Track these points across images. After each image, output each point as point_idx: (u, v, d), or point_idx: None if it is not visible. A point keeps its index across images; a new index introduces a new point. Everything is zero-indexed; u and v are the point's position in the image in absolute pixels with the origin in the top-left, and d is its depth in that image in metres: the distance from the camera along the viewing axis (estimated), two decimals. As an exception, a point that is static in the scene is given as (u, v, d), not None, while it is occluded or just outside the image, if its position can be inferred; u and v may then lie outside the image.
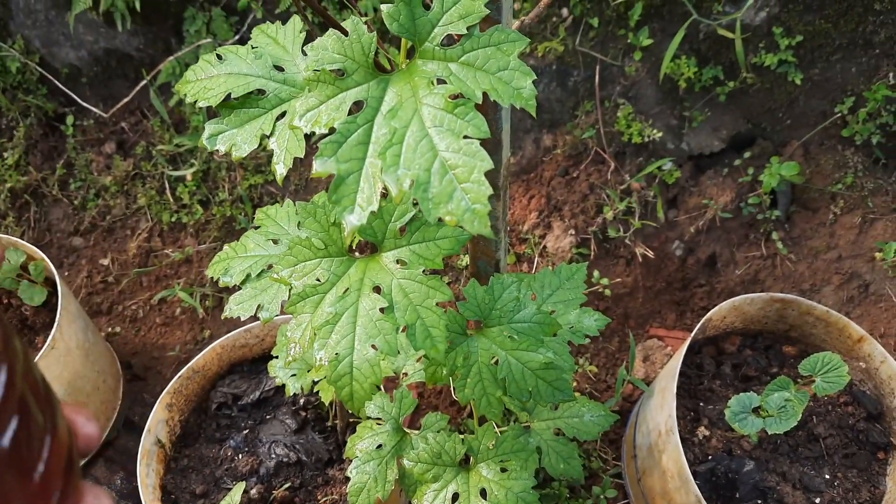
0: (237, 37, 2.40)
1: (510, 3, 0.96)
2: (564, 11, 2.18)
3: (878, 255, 2.26)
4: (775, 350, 2.04)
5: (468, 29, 0.81)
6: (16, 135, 2.66)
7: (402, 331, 1.08)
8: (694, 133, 2.37)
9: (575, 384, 2.23)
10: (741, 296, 1.91)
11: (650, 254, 2.36)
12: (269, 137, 1.08)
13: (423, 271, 1.09)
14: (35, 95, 2.69)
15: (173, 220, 2.62)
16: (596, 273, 2.33)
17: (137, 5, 2.31)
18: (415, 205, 1.12)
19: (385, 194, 0.85)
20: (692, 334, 1.83)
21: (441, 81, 0.83)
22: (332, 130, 0.86)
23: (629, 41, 2.20)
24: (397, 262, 1.10)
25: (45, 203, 2.71)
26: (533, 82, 0.82)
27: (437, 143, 0.80)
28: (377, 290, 1.08)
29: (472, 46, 0.81)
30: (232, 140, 1.08)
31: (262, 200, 2.60)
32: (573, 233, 2.32)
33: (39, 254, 2.12)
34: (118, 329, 2.55)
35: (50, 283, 2.18)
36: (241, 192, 2.57)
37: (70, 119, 2.72)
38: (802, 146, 2.35)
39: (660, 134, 2.32)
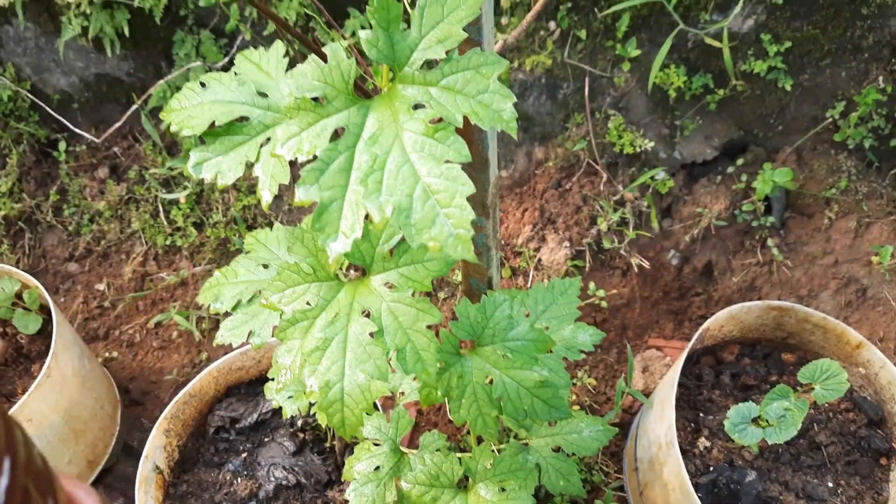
0: (226, 59, 2.40)
1: (490, 24, 0.95)
2: (552, 24, 2.19)
3: (874, 258, 2.25)
4: (774, 358, 2.03)
5: (447, 53, 0.81)
6: (9, 162, 2.66)
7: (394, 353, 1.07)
8: (686, 141, 2.36)
9: (574, 397, 2.22)
10: (738, 304, 1.90)
11: (646, 264, 2.35)
12: (254, 164, 1.08)
13: (413, 294, 1.08)
14: (27, 122, 2.70)
15: (168, 243, 2.61)
16: (592, 285, 2.32)
17: (126, 30, 2.32)
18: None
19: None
20: (690, 345, 1.82)
21: (421, 106, 0.83)
22: (314, 157, 0.86)
23: (617, 52, 2.20)
24: (386, 285, 1.10)
25: (39, 230, 2.71)
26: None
27: (419, 168, 0.80)
28: (366, 314, 1.08)
29: (452, 70, 0.81)
30: (217, 168, 1.08)
31: (256, 221, 2.60)
32: (568, 245, 2.31)
33: (33, 281, 2.12)
34: (115, 354, 2.54)
35: (45, 310, 2.17)
36: (235, 214, 2.57)
37: (62, 145, 2.72)
38: (795, 151, 2.35)
39: (651, 144, 2.32)
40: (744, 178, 2.34)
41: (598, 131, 2.36)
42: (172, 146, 2.70)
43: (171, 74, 2.41)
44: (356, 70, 0.82)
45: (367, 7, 0.79)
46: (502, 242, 2.41)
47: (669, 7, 2.01)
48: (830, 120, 2.26)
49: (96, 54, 2.52)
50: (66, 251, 2.69)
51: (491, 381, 1.27)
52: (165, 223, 2.62)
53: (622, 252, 2.37)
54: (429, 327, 1.07)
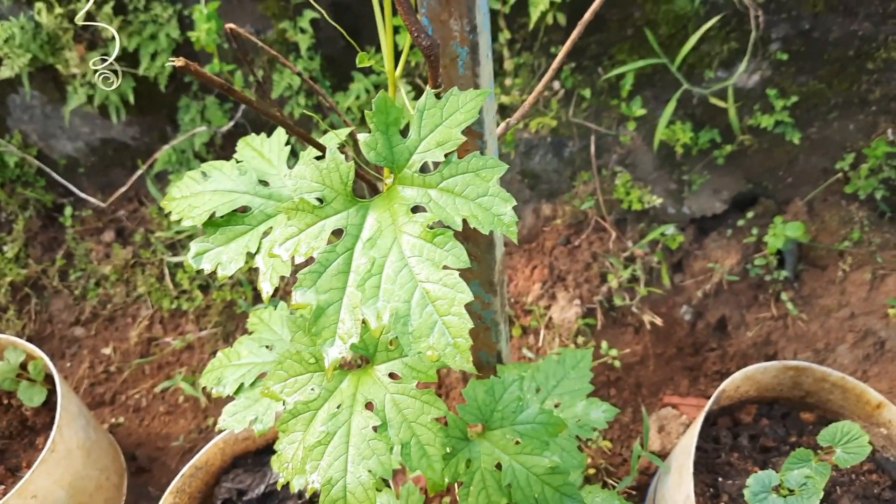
0: (232, 122, 2.40)
1: (492, 115, 0.94)
2: (556, 84, 2.18)
3: (891, 311, 2.21)
4: (793, 418, 1.98)
5: (446, 156, 0.79)
6: (15, 228, 2.67)
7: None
8: (694, 196, 2.34)
9: (590, 460, 2.16)
10: (754, 365, 1.86)
11: (658, 321, 2.31)
12: (255, 254, 1.06)
13: (417, 385, 1.05)
14: (33, 188, 2.71)
15: (173, 306, 2.60)
16: (604, 344, 2.28)
17: (132, 98, 2.33)
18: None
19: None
20: (706, 407, 1.78)
21: (421, 208, 0.81)
22: (311, 259, 0.84)
23: (622, 111, 2.19)
24: (390, 375, 1.07)
25: (45, 294, 2.70)
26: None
27: (417, 273, 0.78)
28: (370, 406, 1.05)
29: (451, 173, 0.79)
30: (217, 259, 1.06)
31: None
32: (578, 303, 2.28)
33: (38, 352, 2.10)
34: (122, 419, 2.51)
35: (50, 380, 2.15)
36: (241, 276, 2.55)
37: (68, 210, 2.72)
38: (806, 203, 2.32)
39: (660, 200, 2.30)
40: (755, 231, 2.31)
41: (605, 188, 2.34)
42: (179, 208, 2.69)
43: (177, 139, 2.42)
44: (353, 173, 0.81)
45: (365, 112, 0.77)
46: (512, 300, 2.38)
47: (673, 68, 2.01)
48: (840, 172, 2.24)
49: (102, 120, 2.54)
50: (72, 316, 2.68)
51: (499, 467, 1.23)
52: (171, 286, 2.61)
53: (634, 309, 2.33)
54: (436, 420, 1.04)
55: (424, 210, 0.80)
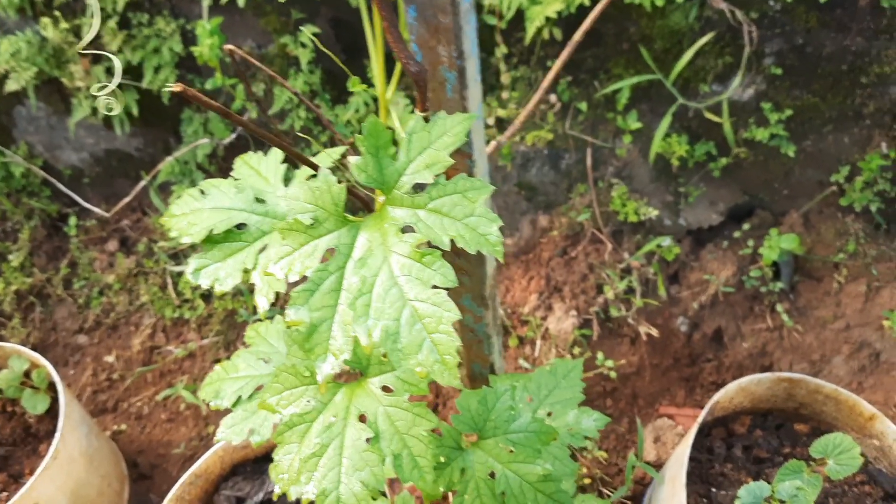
0: (234, 135, 2.44)
1: (481, 135, 0.97)
2: (552, 97, 2.21)
3: (885, 323, 2.22)
4: (787, 429, 2.00)
5: (435, 177, 0.82)
6: (20, 237, 2.70)
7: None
8: (691, 208, 2.36)
9: (585, 469, 2.18)
10: (747, 377, 1.87)
11: (654, 332, 2.34)
12: (251, 271, 1.09)
13: (409, 397, 1.08)
14: (38, 198, 2.74)
15: (176, 315, 2.63)
16: (600, 355, 2.30)
17: (135, 110, 2.37)
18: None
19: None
20: (700, 418, 1.80)
21: (410, 228, 0.83)
22: (304, 277, 0.87)
23: (618, 124, 2.22)
24: (383, 388, 1.09)
25: (49, 303, 2.73)
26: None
27: (407, 291, 0.80)
28: (363, 418, 1.07)
29: (439, 193, 0.82)
30: (215, 275, 1.09)
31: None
32: (575, 314, 2.30)
33: (42, 360, 2.13)
34: (124, 427, 2.54)
35: (54, 388, 2.18)
36: (242, 286, 2.58)
37: (73, 219, 2.76)
38: (802, 216, 2.34)
39: (656, 212, 2.32)
40: (751, 243, 2.33)
41: (601, 200, 2.36)
42: (181, 218, 2.72)
43: (180, 151, 2.46)
44: (345, 194, 0.83)
45: (355, 136, 0.80)
46: (508, 311, 2.40)
47: (668, 84, 2.03)
48: (835, 184, 2.26)
49: (106, 132, 2.57)
50: (75, 324, 2.71)
51: (493, 475, 1.26)
52: (174, 295, 2.64)
53: (630, 320, 2.35)
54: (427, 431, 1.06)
55: (414, 230, 0.83)
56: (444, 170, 0.81)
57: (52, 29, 2.17)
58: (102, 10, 2.13)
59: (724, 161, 2.24)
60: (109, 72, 2.29)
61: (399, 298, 0.80)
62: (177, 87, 0.76)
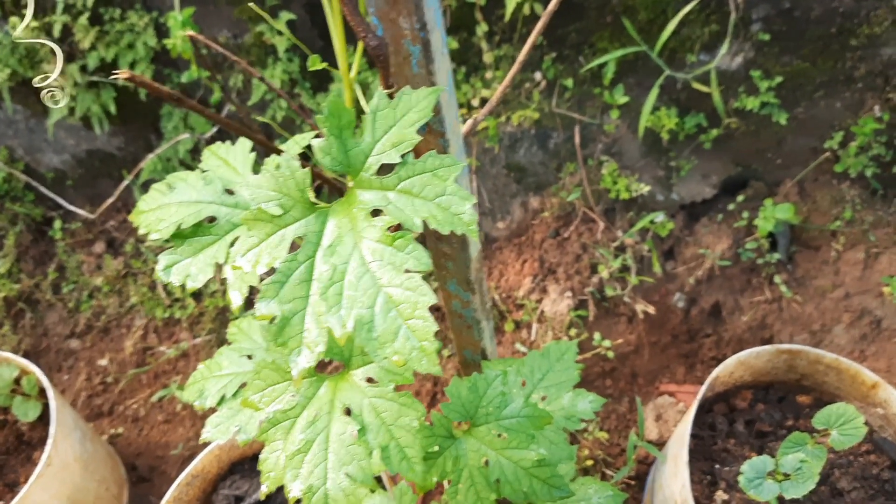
0: (215, 129, 2.39)
1: (454, 111, 0.93)
2: (538, 75, 2.16)
3: (885, 289, 2.19)
4: (789, 401, 1.97)
5: (402, 156, 0.78)
6: (6, 243, 2.66)
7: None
8: (683, 182, 2.32)
9: (587, 451, 2.16)
10: (746, 350, 1.84)
11: (651, 309, 2.30)
12: (224, 265, 1.05)
13: (395, 388, 1.04)
14: (22, 203, 2.70)
15: (167, 315, 2.59)
16: (597, 335, 2.27)
17: (113, 108, 2.32)
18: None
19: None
20: (700, 394, 1.76)
21: (381, 212, 0.79)
22: (273, 270, 0.83)
23: (605, 99, 2.17)
24: (367, 379, 1.06)
25: (39, 309, 2.70)
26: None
27: (380, 277, 0.77)
28: (348, 411, 1.04)
29: (409, 174, 0.78)
30: (186, 271, 1.05)
31: (252, 290, 2.57)
32: (570, 295, 2.27)
33: (32, 367, 2.10)
34: (120, 430, 2.51)
35: (44, 394, 2.15)
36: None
37: (58, 223, 2.72)
38: (797, 184, 2.30)
39: (648, 187, 2.28)
40: (745, 214, 2.30)
41: (592, 178, 2.32)
42: (168, 216, 2.68)
43: (161, 147, 2.41)
44: (310, 179, 0.79)
45: (316, 117, 0.76)
46: (503, 295, 2.36)
47: (654, 55, 1.99)
48: (829, 151, 2.22)
49: (86, 132, 2.53)
50: (66, 328, 2.68)
51: (487, 463, 1.23)
52: (163, 295, 2.60)
53: (626, 299, 2.32)
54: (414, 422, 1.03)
55: (383, 214, 0.79)
56: (411, 148, 0.77)
57: (22, 29, 2.12)
58: (73, 6, 2.08)
59: (714, 132, 2.19)
60: (84, 69, 2.24)
61: (372, 285, 0.77)
62: (124, 74, 0.72)
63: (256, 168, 1.09)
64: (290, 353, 0.81)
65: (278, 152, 0.94)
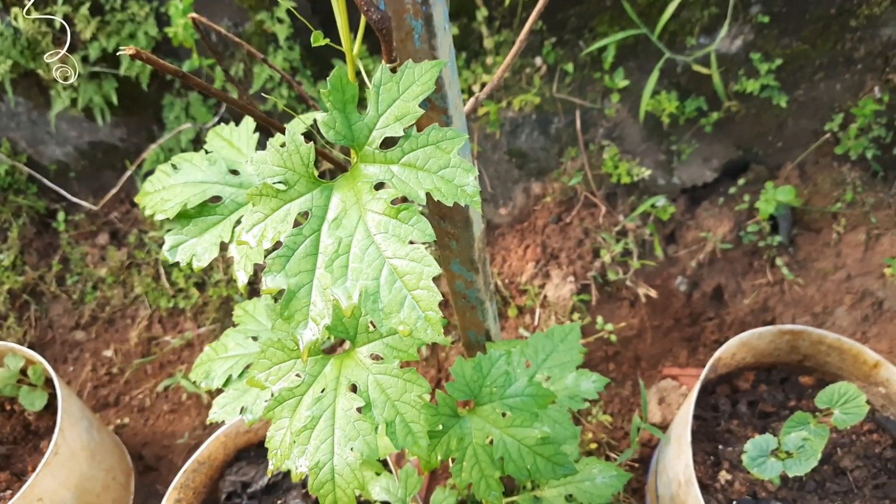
0: (217, 118, 2.40)
1: (456, 88, 0.93)
2: (538, 60, 2.17)
3: (887, 271, 2.19)
4: (791, 382, 1.98)
5: (405, 130, 0.79)
6: (10, 236, 2.67)
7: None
8: (684, 166, 2.33)
9: (591, 435, 2.17)
10: (749, 331, 1.85)
11: (653, 293, 2.31)
12: (229, 244, 1.06)
13: (400, 364, 1.05)
14: (26, 195, 2.71)
15: (171, 305, 2.60)
16: (600, 319, 2.28)
17: (115, 99, 2.33)
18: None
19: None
20: (702, 376, 1.77)
21: (384, 185, 0.80)
22: (279, 244, 0.84)
23: (606, 84, 2.18)
24: (372, 356, 1.07)
25: (44, 300, 2.71)
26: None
27: (384, 249, 0.77)
28: (353, 388, 1.05)
29: (412, 147, 0.79)
30: (192, 250, 1.06)
31: (257, 276, 2.58)
32: (573, 280, 2.28)
33: (37, 357, 2.11)
34: (127, 420, 2.52)
35: (51, 384, 2.16)
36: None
37: (62, 215, 2.73)
38: (797, 167, 2.31)
39: (649, 171, 2.29)
40: (746, 197, 2.30)
41: (593, 163, 2.33)
42: (171, 207, 2.69)
43: (163, 138, 2.42)
44: (314, 154, 0.80)
45: (320, 91, 0.77)
46: (506, 280, 2.37)
47: (654, 38, 1.99)
48: (830, 133, 2.22)
49: (88, 123, 2.53)
50: (71, 320, 2.69)
51: (491, 442, 1.24)
52: (167, 285, 2.61)
53: (628, 283, 2.32)
54: (419, 397, 1.04)
55: (387, 187, 0.80)
56: (414, 121, 0.78)
57: (23, 20, 2.12)
58: (73, -4, 2.09)
59: (715, 116, 2.20)
60: (86, 60, 2.25)
61: (377, 257, 0.78)
62: (130, 50, 0.72)
63: (260, 149, 1.10)
64: (296, 327, 0.82)
65: (282, 131, 0.95)
